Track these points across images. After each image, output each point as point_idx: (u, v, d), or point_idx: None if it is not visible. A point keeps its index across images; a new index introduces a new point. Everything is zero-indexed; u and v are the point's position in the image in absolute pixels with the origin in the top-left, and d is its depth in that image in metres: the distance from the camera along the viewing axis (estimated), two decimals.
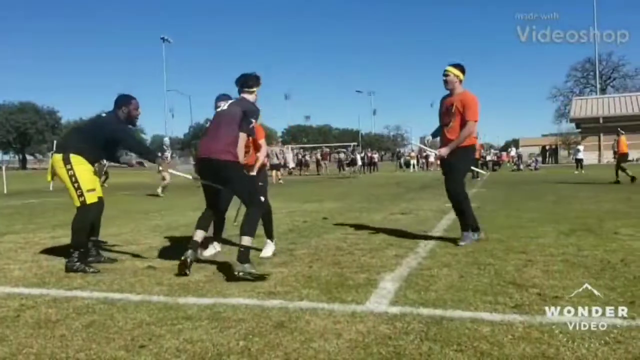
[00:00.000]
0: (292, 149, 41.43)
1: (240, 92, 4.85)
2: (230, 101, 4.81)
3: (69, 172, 4.81)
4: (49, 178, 5.16)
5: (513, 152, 45.53)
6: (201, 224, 4.84)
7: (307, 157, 40.20)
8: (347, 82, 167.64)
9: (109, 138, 5.00)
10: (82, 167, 4.85)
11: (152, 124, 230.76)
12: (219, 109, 4.79)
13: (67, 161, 4.81)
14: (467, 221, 5.85)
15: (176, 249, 5.91)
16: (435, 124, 6.06)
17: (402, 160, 44.99)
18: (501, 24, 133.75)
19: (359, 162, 37.47)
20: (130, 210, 10.77)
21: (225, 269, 4.74)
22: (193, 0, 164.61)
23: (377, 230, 7.08)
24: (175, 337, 3.01)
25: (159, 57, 71.47)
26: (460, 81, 5.77)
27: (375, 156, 43.63)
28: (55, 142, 35.18)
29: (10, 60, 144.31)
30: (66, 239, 6.24)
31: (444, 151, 5.77)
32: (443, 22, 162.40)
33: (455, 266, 4.67)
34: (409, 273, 4.47)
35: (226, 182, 4.60)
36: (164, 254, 5.66)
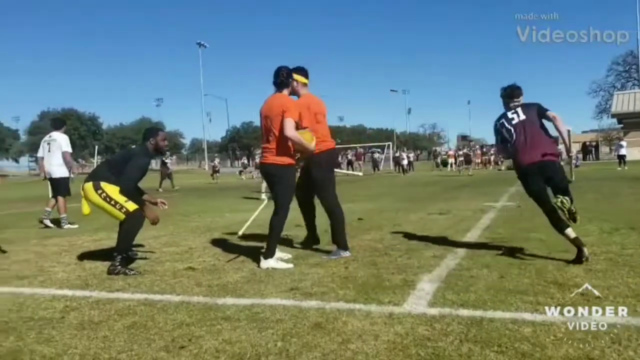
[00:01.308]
0: None
1: (508, 103, 5.16)
2: (517, 112, 5.05)
3: (102, 195, 5.05)
4: (86, 211, 5.24)
5: None
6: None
7: (339, 158, 39.82)
8: (381, 82, 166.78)
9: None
10: (112, 187, 5.08)
11: (190, 128, 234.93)
12: (514, 121, 5.01)
13: (97, 187, 5.08)
14: (337, 237, 5.37)
15: (215, 250, 6.00)
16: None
17: (439, 159, 44.53)
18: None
19: (405, 162, 37.10)
20: (169, 213, 10.94)
21: (264, 269, 4.77)
22: (226, 5, 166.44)
23: (414, 230, 7.03)
24: (215, 338, 3.05)
25: (195, 62, 72.71)
26: (304, 84, 5.56)
27: (411, 156, 42.93)
28: (96, 147, 36.16)
29: (54, 66, 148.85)
30: (108, 242, 6.40)
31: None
32: (476, 20, 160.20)
33: (495, 266, 4.60)
34: (448, 274, 4.42)
35: (558, 179, 4.95)
36: (203, 255, 5.73)
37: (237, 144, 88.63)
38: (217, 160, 40.57)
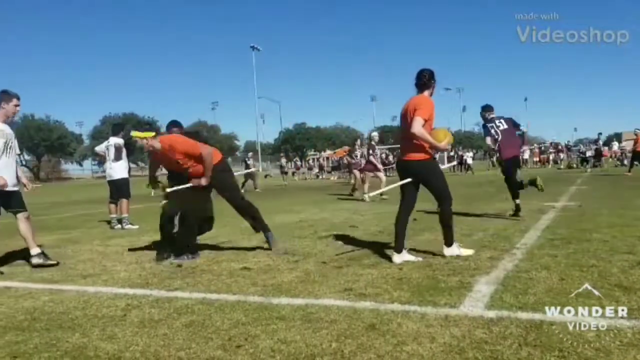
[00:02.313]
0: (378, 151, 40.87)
1: (486, 115, 8.23)
2: (501, 121, 8.09)
3: None
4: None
5: (615, 146, 42.62)
6: None
7: (391, 158, 39.41)
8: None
9: None
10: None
11: (244, 130, 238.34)
12: (500, 128, 8.04)
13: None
14: (260, 223, 6.21)
15: (269, 250, 6.06)
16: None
17: (494, 159, 43.45)
18: (599, 12, 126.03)
19: (470, 160, 36.79)
20: (225, 214, 11.14)
21: (317, 270, 4.79)
22: (279, 10, 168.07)
23: (470, 231, 6.90)
24: (270, 337, 3.08)
25: (249, 66, 73.89)
26: (153, 137, 5.87)
27: (470, 155, 41.49)
28: None
29: (115, 72, 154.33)
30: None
31: (204, 181, 5.84)
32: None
33: (555, 268, 4.46)
34: (505, 276, 4.31)
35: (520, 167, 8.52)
36: (258, 255, 5.81)
37: (290, 145, 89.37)
38: (283, 160, 36.91)
